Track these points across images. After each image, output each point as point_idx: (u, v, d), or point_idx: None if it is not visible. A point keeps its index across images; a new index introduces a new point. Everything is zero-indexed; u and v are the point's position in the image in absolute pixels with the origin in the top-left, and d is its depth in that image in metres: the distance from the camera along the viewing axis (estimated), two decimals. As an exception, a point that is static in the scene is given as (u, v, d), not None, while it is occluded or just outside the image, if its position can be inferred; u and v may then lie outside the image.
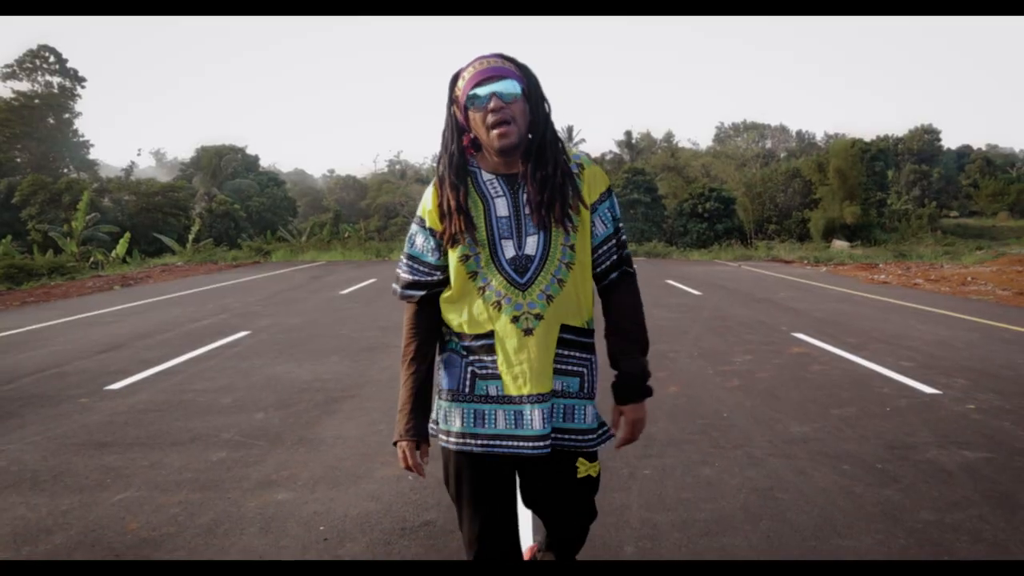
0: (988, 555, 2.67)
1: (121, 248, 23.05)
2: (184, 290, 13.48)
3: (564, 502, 1.78)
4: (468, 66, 1.63)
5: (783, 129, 64.10)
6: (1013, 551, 2.70)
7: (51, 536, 2.83)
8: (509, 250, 1.65)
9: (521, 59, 1.68)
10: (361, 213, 44.81)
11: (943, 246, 27.57)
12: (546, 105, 1.68)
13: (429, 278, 1.71)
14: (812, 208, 32.65)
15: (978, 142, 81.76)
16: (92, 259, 22.34)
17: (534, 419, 1.64)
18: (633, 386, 1.73)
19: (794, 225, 32.78)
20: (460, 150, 1.67)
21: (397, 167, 62.92)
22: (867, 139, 36.26)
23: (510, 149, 1.61)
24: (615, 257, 1.73)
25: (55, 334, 8.09)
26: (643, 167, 36.27)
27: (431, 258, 1.71)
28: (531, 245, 1.65)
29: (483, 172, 1.69)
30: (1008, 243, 32.13)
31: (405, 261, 1.76)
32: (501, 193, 1.67)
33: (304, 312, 9.87)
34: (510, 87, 1.59)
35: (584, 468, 1.75)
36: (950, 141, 65.16)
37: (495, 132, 1.59)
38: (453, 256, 1.67)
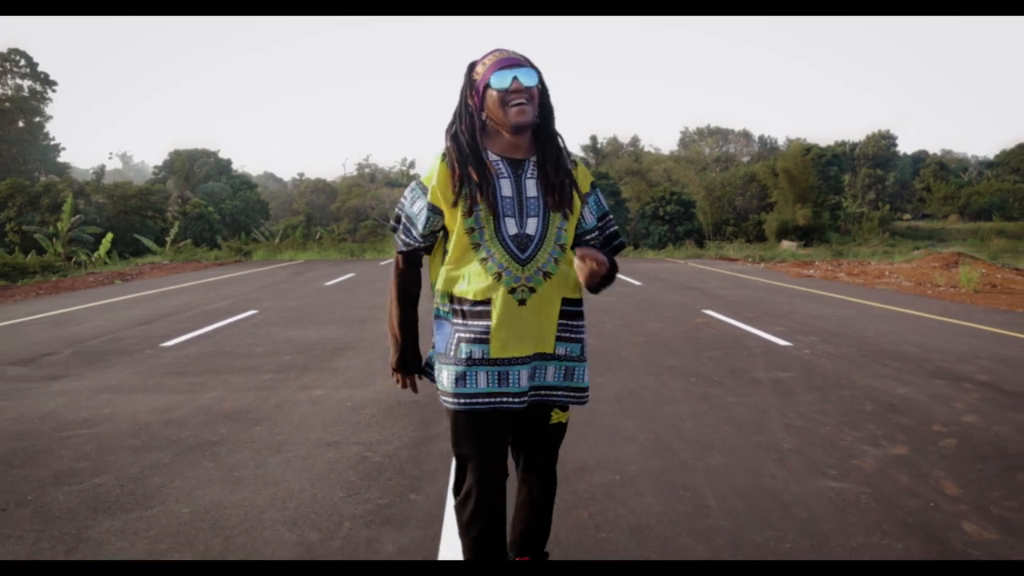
0: (758, 417, 4.40)
1: (103, 248, 24.17)
2: (181, 283, 14.90)
3: (539, 444, 2.03)
4: (486, 56, 1.79)
5: (746, 134, 66.52)
6: (773, 415, 4.44)
7: (179, 409, 4.48)
8: (511, 227, 1.79)
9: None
10: (331, 216, 45.57)
11: (885, 246, 29.07)
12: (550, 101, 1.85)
13: (416, 244, 1.88)
14: (768, 211, 34.20)
15: (934, 147, 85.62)
16: (75, 259, 23.41)
17: (521, 378, 1.82)
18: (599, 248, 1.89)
19: (751, 227, 34.19)
20: (472, 130, 1.81)
21: (367, 171, 63.68)
22: (826, 144, 37.83)
23: (525, 126, 1.75)
24: (596, 244, 1.95)
25: (87, 315, 9.54)
26: (607, 171, 38.02)
27: (420, 227, 1.85)
28: (531, 226, 1.80)
29: (489, 152, 1.82)
30: (952, 244, 33.94)
31: (404, 221, 1.90)
32: (505, 175, 1.81)
33: (298, 298, 11.46)
34: (530, 75, 1.75)
35: (556, 416, 1.98)
36: (907, 147, 68.07)
37: (514, 109, 1.72)
38: (459, 227, 1.79)
